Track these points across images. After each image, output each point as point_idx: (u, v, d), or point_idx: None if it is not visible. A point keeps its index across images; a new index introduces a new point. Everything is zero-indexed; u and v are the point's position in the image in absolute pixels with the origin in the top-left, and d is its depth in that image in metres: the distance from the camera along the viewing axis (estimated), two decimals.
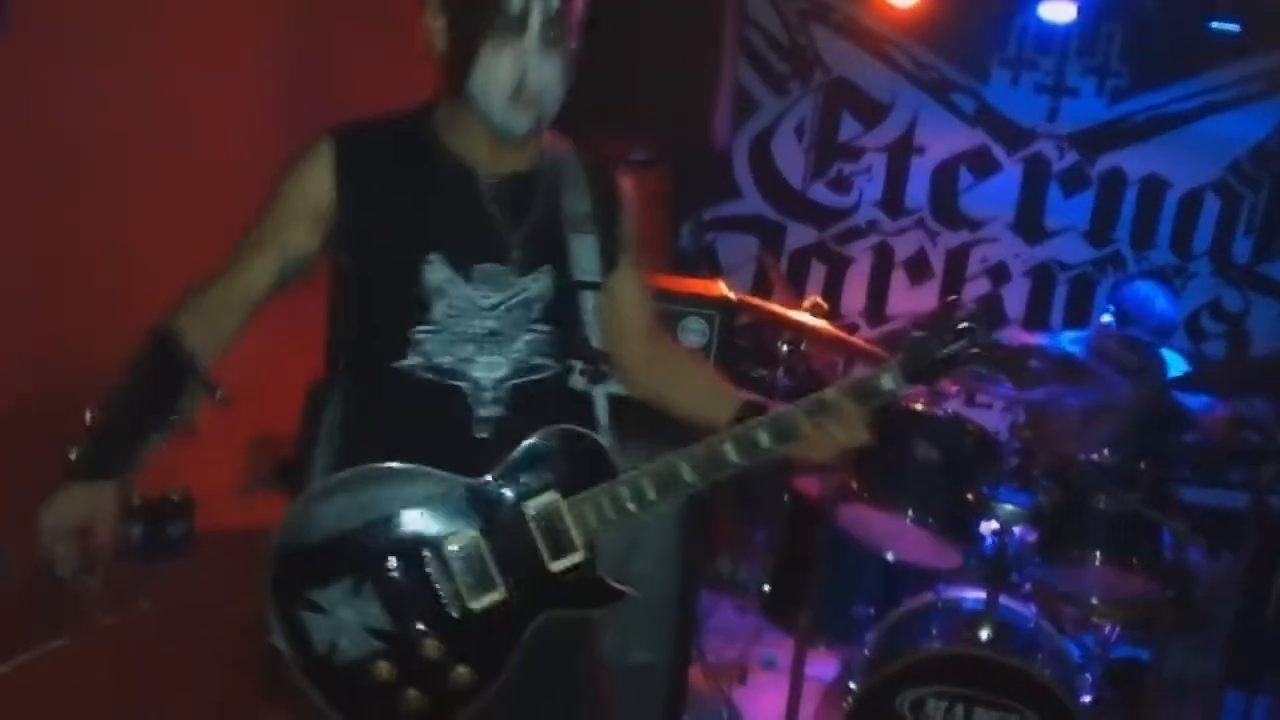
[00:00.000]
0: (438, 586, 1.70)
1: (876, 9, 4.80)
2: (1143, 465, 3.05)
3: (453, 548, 1.70)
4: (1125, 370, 3.41)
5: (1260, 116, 4.80)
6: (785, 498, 3.77)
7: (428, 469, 1.72)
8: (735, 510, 4.23)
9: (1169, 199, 4.93)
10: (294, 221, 1.77)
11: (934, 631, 3.03)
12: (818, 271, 5.17)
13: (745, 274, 5.06)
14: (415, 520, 1.71)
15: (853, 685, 3.02)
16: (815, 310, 3.28)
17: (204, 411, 1.77)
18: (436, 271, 1.75)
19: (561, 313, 1.83)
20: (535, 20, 1.70)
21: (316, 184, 1.76)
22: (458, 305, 1.76)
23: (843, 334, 3.39)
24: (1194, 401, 3.52)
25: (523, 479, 1.74)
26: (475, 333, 1.76)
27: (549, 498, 1.73)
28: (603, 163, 1.96)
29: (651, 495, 1.74)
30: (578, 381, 1.85)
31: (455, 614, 1.70)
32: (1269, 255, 4.88)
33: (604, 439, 1.82)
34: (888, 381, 1.79)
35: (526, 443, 1.74)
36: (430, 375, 1.76)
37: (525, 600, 1.73)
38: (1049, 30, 4.77)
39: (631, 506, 1.74)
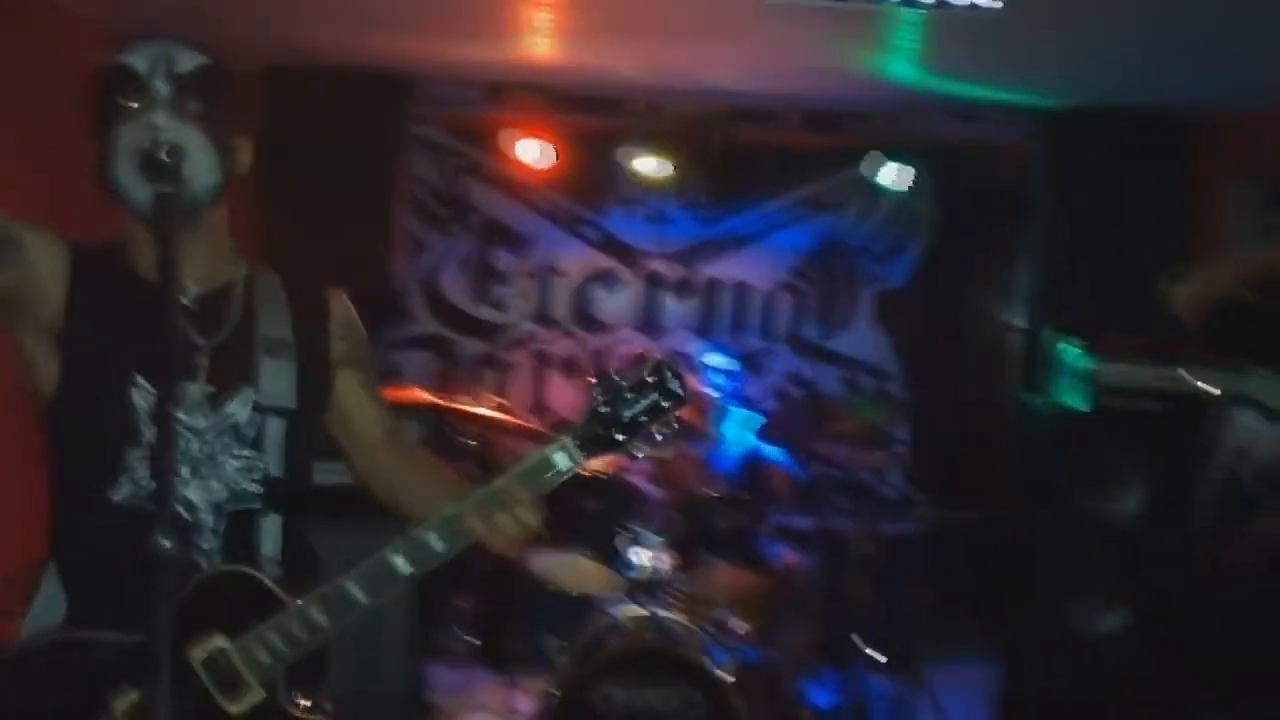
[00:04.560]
0: None
1: (516, 166, 5.72)
2: (746, 494, 4.19)
3: (122, 708, 1.61)
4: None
5: (810, 232, 6.23)
6: (478, 561, 4.59)
7: (95, 635, 1.64)
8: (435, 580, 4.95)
9: (755, 297, 6.26)
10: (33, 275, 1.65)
11: (610, 640, 3.84)
12: (489, 377, 6.07)
13: (419, 384, 5.80)
14: (81, 689, 1.62)
15: (555, 690, 3.87)
16: (499, 409, 4.18)
17: None
18: (146, 392, 1.66)
19: (259, 439, 1.75)
20: (161, 87, 1.62)
21: (50, 282, 1.67)
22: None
23: (525, 423, 4.31)
24: (768, 450, 4.67)
25: (187, 625, 1.62)
26: (188, 456, 1.69)
27: (215, 642, 1.64)
28: (307, 281, 1.87)
29: (323, 622, 1.66)
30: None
31: None
32: (827, 335, 6.31)
33: (271, 570, 1.74)
34: (562, 460, 1.69)
35: (189, 587, 1.64)
36: (145, 503, 1.65)
37: None
38: (649, 176, 5.80)
39: (303, 636, 1.66)
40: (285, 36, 4.33)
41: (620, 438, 1.70)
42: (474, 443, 4.38)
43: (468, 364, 6.09)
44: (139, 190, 1.59)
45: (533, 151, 5.54)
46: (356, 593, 1.66)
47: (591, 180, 5.96)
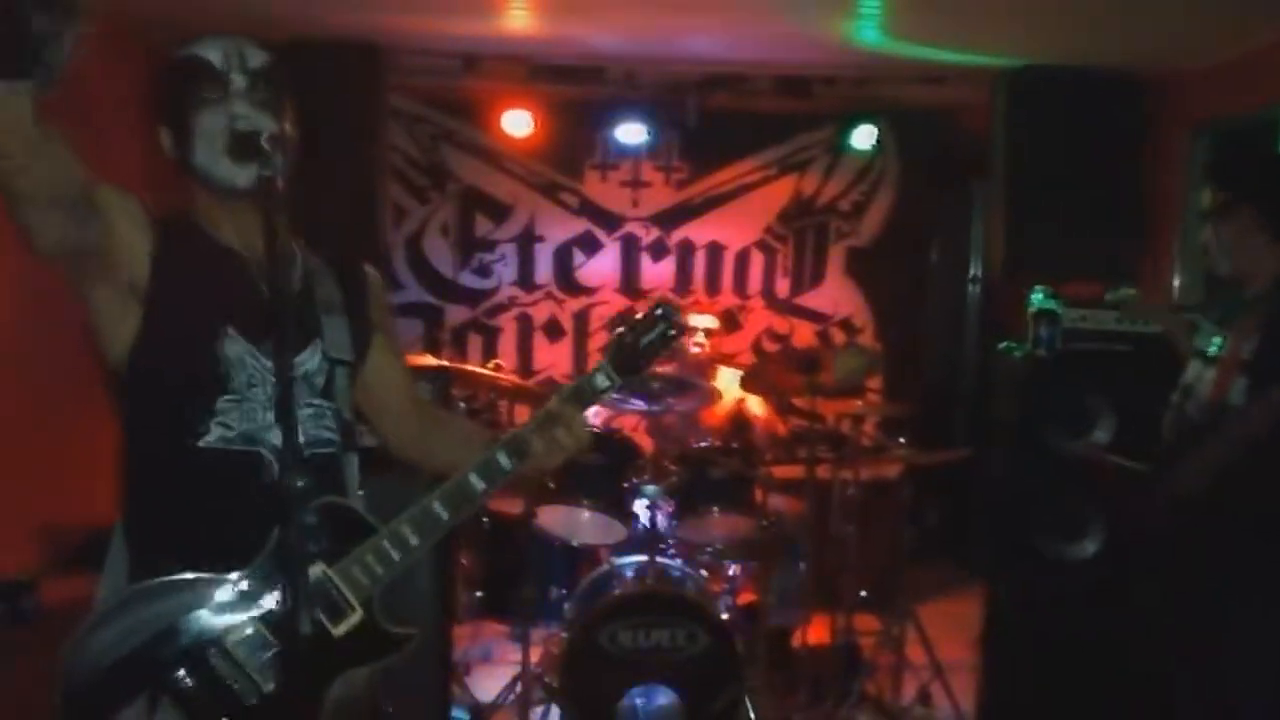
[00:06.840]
0: (231, 682, 1.72)
1: (495, 134, 5.89)
2: (735, 445, 4.39)
3: (235, 639, 1.73)
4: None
5: (778, 191, 6.44)
6: (484, 520, 4.73)
7: (196, 574, 1.74)
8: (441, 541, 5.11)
9: (727, 256, 6.47)
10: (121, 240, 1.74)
11: (615, 585, 4.02)
12: (475, 341, 6.26)
13: (414, 350, 6.00)
14: (194, 624, 1.72)
15: (564, 634, 4.04)
16: (497, 369, 4.34)
17: None
18: (234, 344, 1.80)
19: (328, 388, 1.91)
20: (237, 79, 1.80)
21: (137, 241, 1.77)
22: (255, 376, 1.80)
23: (523, 383, 4.48)
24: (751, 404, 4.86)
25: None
26: (271, 402, 1.79)
27: (317, 570, 1.76)
28: (347, 255, 2.06)
29: (414, 540, 1.83)
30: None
31: (255, 701, 1.72)
32: (800, 291, 6.55)
33: (358, 501, 1.94)
34: (602, 380, 1.97)
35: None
36: (233, 446, 1.78)
37: (317, 670, 1.77)
38: (625, 142, 6.03)
39: (397, 556, 1.82)
40: (265, 11, 4.38)
41: (642, 362, 2.02)
42: (477, 404, 4.53)
43: (454, 329, 6.24)
44: (221, 169, 1.79)
45: (511, 120, 5.66)
46: (440, 510, 1.86)
47: (569, 147, 6.10)
